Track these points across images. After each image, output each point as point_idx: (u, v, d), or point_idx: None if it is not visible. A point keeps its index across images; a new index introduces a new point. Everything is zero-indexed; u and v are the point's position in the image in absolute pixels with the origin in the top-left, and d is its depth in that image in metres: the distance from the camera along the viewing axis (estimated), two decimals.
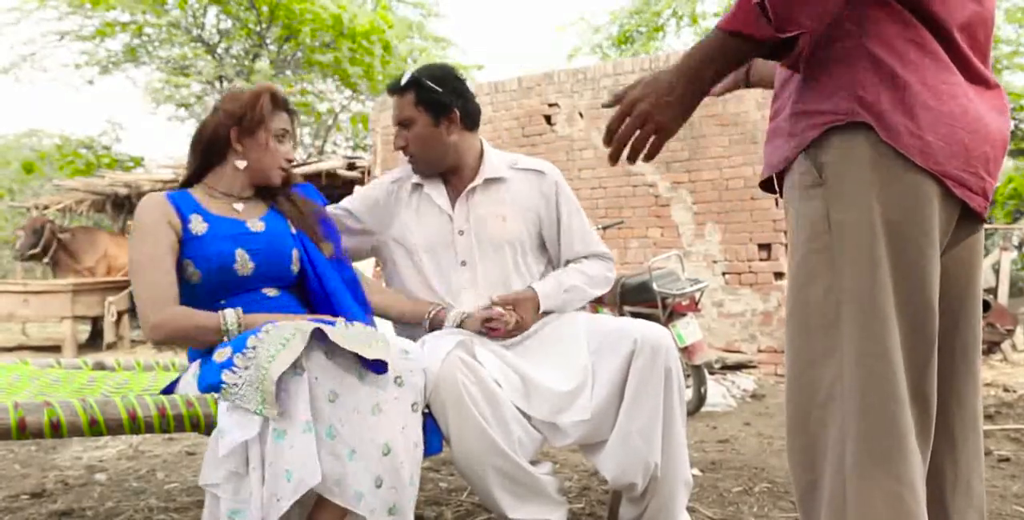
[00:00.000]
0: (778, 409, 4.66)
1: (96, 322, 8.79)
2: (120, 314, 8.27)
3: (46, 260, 9.23)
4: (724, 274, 6.32)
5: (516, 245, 2.13)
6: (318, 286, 1.97)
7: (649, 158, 1.21)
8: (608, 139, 1.22)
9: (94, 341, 8.79)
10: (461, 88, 2.12)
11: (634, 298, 4.26)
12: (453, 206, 2.14)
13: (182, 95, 14.87)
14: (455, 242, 2.12)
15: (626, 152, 1.22)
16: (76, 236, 9.32)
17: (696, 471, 2.90)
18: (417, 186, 2.18)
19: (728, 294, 6.27)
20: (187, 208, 1.90)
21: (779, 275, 6.13)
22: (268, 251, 1.91)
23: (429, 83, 2.07)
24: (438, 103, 2.07)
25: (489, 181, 2.15)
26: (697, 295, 4.27)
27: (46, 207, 10.92)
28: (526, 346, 2.07)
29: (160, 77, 14.22)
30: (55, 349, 8.16)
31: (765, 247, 6.18)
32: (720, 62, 1.15)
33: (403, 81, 2.09)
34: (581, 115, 6.93)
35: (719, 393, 4.78)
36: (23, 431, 1.53)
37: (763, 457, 3.25)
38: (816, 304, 1.12)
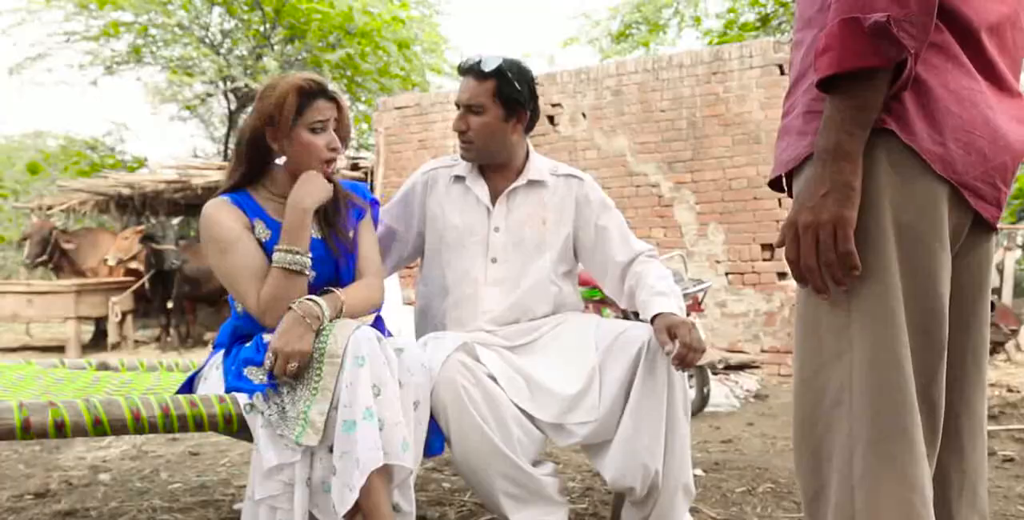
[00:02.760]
0: (781, 409, 4.65)
1: (100, 322, 8.81)
2: (124, 314, 8.28)
3: (51, 266, 9.28)
4: (727, 274, 6.32)
5: (550, 249, 2.12)
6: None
7: (853, 268, 1.05)
8: (798, 274, 1.10)
9: (98, 341, 8.80)
10: (534, 90, 2.11)
11: None
12: (493, 202, 2.13)
13: (186, 95, 14.89)
14: (489, 238, 2.11)
15: (827, 277, 1.07)
16: (79, 242, 9.35)
17: (699, 471, 2.89)
18: (459, 178, 2.16)
19: (731, 294, 6.26)
20: (251, 211, 1.88)
21: (782, 275, 6.12)
22: (325, 260, 1.89)
23: (513, 79, 2.04)
24: (515, 101, 2.05)
25: (532, 183, 2.14)
26: (700, 295, 4.26)
27: (50, 208, 10.94)
28: (534, 347, 2.06)
29: (164, 77, 14.25)
30: (59, 349, 8.17)
31: (768, 247, 6.17)
32: (847, 118, 1.03)
33: (487, 67, 2.04)
34: (584, 115, 6.93)
35: (722, 393, 4.77)
36: (28, 431, 1.53)
37: (766, 457, 3.25)
38: (826, 307, 1.11)
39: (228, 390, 1.75)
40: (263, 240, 1.86)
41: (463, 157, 2.14)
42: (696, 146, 6.47)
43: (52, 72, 19.11)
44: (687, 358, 1.80)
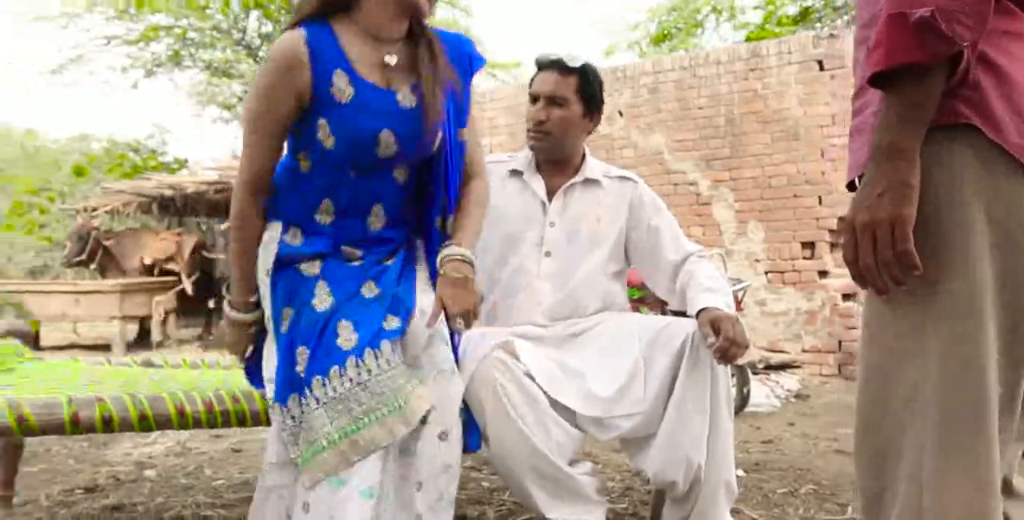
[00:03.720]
0: (823, 409, 4.59)
1: (143, 321, 8.97)
2: (167, 313, 8.43)
3: (93, 266, 9.47)
4: (767, 273, 6.25)
5: (603, 246, 2.15)
6: (442, 171, 1.74)
7: (912, 267, 1.02)
8: (856, 274, 1.08)
9: (142, 340, 8.96)
10: (603, 96, 2.19)
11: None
12: (549, 198, 2.16)
13: (224, 96, 15.11)
14: (544, 231, 2.13)
15: (886, 277, 1.04)
16: (122, 240, 9.55)
17: (740, 472, 2.87)
18: (515, 172, 2.20)
19: (771, 293, 6.20)
20: (330, 61, 1.56)
21: (823, 274, 6.03)
22: (416, 134, 1.64)
23: (592, 78, 2.12)
24: (594, 100, 2.14)
25: (588, 181, 2.18)
26: (740, 294, 4.22)
27: (94, 209, 11.14)
28: (578, 342, 2.06)
29: (203, 79, 14.48)
30: (105, 348, 8.33)
31: (809, 245, 6.10)
32: (902, 115, 1.01)
33: (572, 63, 2.11)
34: (621, 114, 6.90)
35: (763, 393, 4.72)
36: (77, 425, 1.57)
37: (808, 458, 3.21)
38: (900, 305, 1.08)
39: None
40: (342, 101, 1.57)
41: (534, 147, 2.17)
42: (734, 143, 6.40)
43: (93, 75, 19.52)
44: (729, 352, 1.80)
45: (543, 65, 2.15)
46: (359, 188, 1.65)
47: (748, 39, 13.33)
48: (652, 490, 2.12)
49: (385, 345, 1.55)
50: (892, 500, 1.08)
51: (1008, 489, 1.14)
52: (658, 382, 1.89)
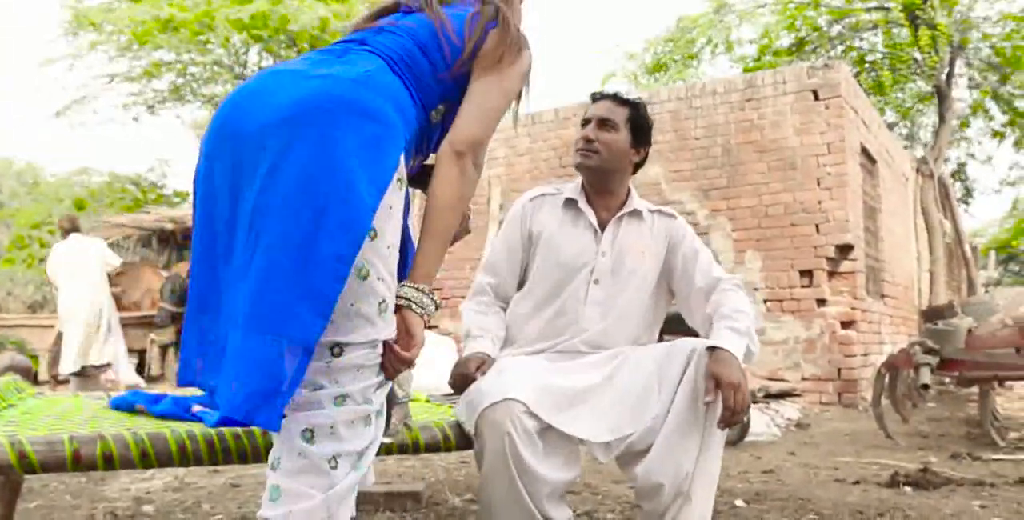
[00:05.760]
0: (823, 438, 4.57)
1: (142, 355, 8.96)
2: (164, 348, 8.41)
3: None
4: (765, 302, 6.25)
5: (646, 278, 2.19)
6: None
7: None
8: None
9: (140, 373, 8.94)
10: (651, 136, 2.27)
11: (674, 328, 4.22)
12: (602, 229, 2.20)
13: None
14: (596, 261, 2.17)
15: None
16: (123, 281, 9.60)
17: (740, 502, 2.85)
18: (569, 201, 2.24)
19: (770, 322, 6.20)
20: None
21: (821, 302, 6.04)
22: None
23: (643, 115, 2.21)
24: (643, 132, 2.21)
25: (634, 213, 2.23)
26: None
27: None
28: (598, 365, 2.07)
29: (204, 115, 14.60)
30: None
31: (807, 274, 6.11)
32: None
33: (623, 95, 2.22)
34: None
35: (763, 422, 4.71)
36: (78, 463, 1.57)
37: (809, 487, 3.19)
38: None
39: None
40: None
41: (580, 165, 2.20)
42: (731, 173, 6.45)
43: (97, 113, 19.68)
44: (728, 420, 1.81)
45: (599, 97, 2.25)
46: None
47: (745, 71, 13.45)
48: (637, 493, 2.05)
49: None
50: None
51: None
52: (666, 394, 1.91)
